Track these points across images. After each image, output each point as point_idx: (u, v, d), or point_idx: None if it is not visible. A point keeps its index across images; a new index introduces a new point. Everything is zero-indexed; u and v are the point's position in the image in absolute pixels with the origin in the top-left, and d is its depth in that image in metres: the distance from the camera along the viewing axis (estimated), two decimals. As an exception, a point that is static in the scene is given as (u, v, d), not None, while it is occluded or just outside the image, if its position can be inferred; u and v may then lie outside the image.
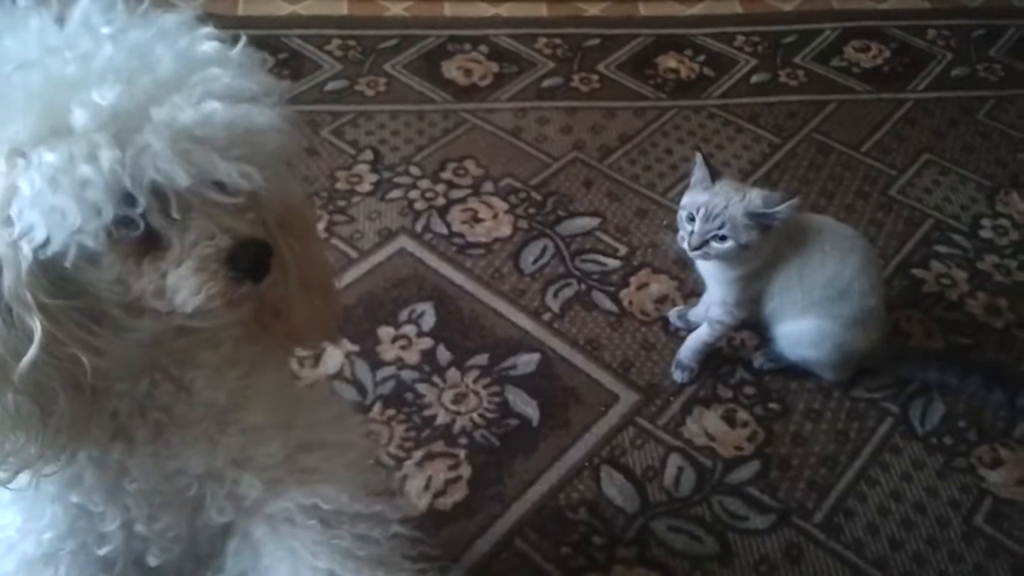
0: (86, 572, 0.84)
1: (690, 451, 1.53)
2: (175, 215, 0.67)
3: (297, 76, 2.18)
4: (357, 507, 0.89)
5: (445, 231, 1.85)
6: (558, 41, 2.37)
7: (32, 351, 0.67)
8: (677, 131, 2.14)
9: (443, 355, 1.64)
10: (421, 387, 1.58)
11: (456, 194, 1.94)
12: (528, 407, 1.57)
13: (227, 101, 0.67)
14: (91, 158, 0.63)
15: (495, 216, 1.90)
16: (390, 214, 1.88)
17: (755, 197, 1.45)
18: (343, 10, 2.42)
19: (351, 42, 2.31)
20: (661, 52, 2.36)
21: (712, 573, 1.39)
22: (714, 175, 1.48)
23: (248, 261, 0.70)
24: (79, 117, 0.63)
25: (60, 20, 0.69)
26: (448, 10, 2.46)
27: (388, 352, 1.63)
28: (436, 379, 1.60)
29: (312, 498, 0.87)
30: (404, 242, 1.83)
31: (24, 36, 0.67)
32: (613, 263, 1.82)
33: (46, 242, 0.64)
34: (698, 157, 1.50)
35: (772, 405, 1.61)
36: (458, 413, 1.55)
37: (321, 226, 1.80)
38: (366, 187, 1.93)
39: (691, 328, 1.66)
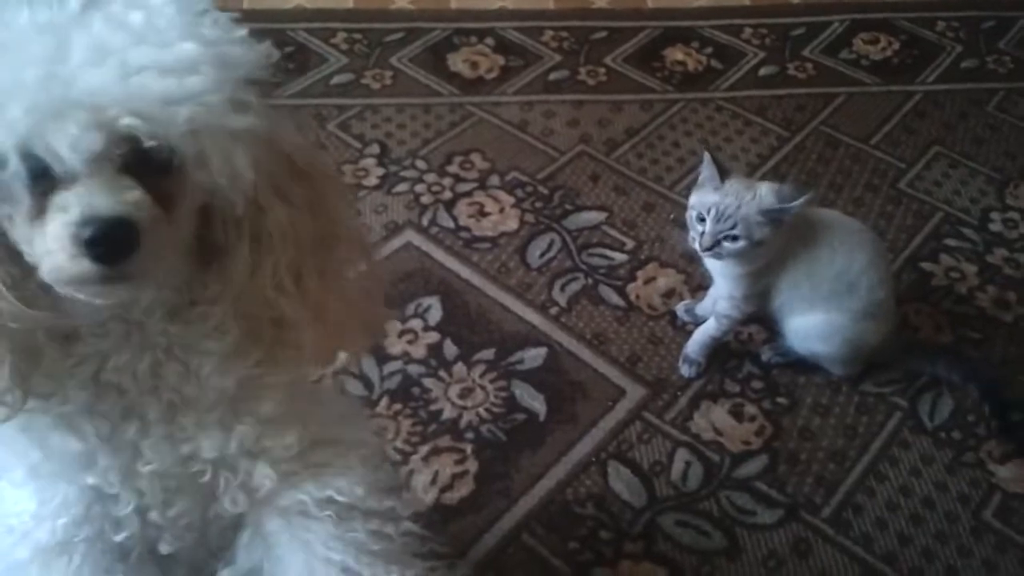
0: (101, 562, 0.84)
1: (697, 446, 1.53)
2: (57, 180, 0.66)
3: (303, 70, 2.18)
4: (370, 502, 0.89)
5: (452, 225, 1.85)
6: (565, 34, 2.36)
7: None
8: (684, 124, 2.13)
9: (450, 349, 1.63)
10: (428, 381, 1.58)
11: (463, 188, 1.93)
12: (535, 402, 1.57)
13: (113, 67, 0.65)
14: None
15: (502, 210, 1.89)
16: (396, 208, 1.88)
17: (767, 194, 1.44)
18: (349, 3, 2.42)
19: (357, 35, 2.30)
20: (668, 45, 2.35)
21: (720, 568, 1.39)
22: (723, 173, 1.47)
23: (95, 240, 0.65)
24: None
25: None
26: (454, 3, 2.45)
27: (394, 346, 1.63)
28: (443, 373, 1.60)
29: (327, 491, 0.87)
30: (410, 236, 1.82)
31: None
32: (620, 257, 1.82)
33: None
34: (706, 156, 1.49)
35: (780, 399, 1.60)
36: (465, 408, 1.55)
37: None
38: (372, 181, 1.93)
39: (698, 322, 1.66)
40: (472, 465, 1.47)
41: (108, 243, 0.66)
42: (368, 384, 1.57)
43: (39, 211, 0.67)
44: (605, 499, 1.45)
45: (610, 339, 1.67)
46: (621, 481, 1.48)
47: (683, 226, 1.54)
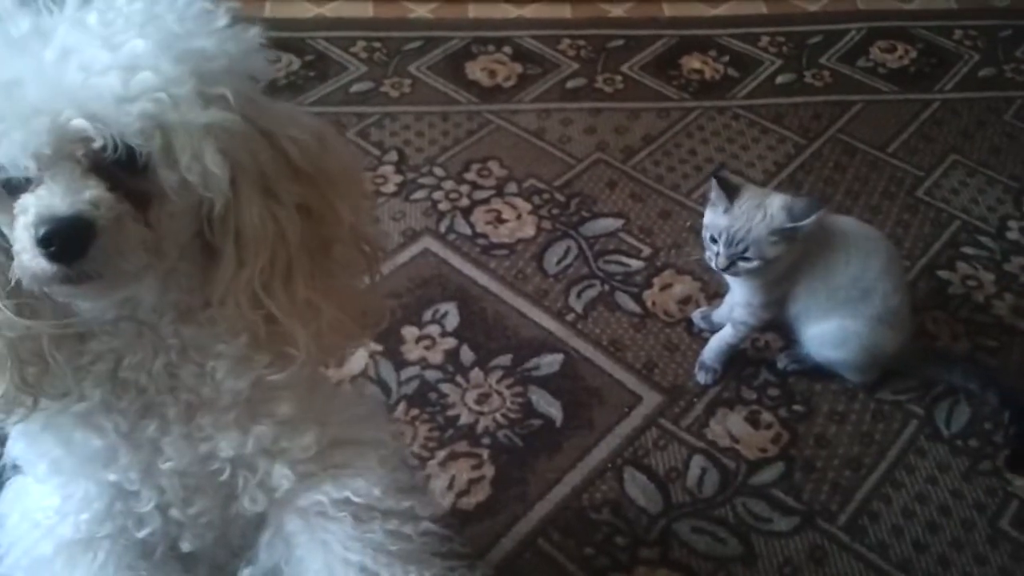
0: (125, 558, 0.86)
1: (714, 452, 1.53)
2: (30, 183, 0.67)
3: (323, 78, 2.20)
4: (388, 503, 0.90)
5: (469, 232, 1.86)
6: (582, 42, 2.37)
7: None
8: (701, 132, 2.13)
9: (467, 355, 1.64)
10: (445, 387, 1.59)
11: (480, 195, 1.94)
12: (551, 407, 1.58)
13: (71, 69, 0.65)
14: None
15: (519, 217, 1.90)
16: (414, 215, 1.89)
17: (777, 211, 1.44)
18: (368, 12, 2.44)
19: (376, 44, 2.32)
20: (685, 53, 2.36)
21: (735, 575, 1.39)
22: (732, 192, 1.47)
23: (47, 239, 0.66)
24: None
25: None
26: (472, 12, 2.46)
27: (412, 352, 1.64)
28: (460, 379, 1.61)
29: (344, 491, 0.88)
30: (428, 243, 1.84)
31: None
32: (636, 264, 1.83)
33: None
34: (712, 182, 1.48)
35: (796, 407, 1.60)
36: (481, 413, 1.56)
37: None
38: (391, 188, 1.94)
39: (715, 329, 1.66)
40: (489, 470, 1.48)
41: (60, 241, 0.66)
42: (385, 389, 1.58)
43: (14, 215, 0.68)
44: (621, 505, 1.46)
45: (626, 346, 1.68)
46: (637, 487, 1.48)
47: (699, 233, 1.54)
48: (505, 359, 1.64)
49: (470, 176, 1.98)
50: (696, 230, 1.54)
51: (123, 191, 0.69)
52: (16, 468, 0.88)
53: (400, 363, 1.62)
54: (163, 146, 0.67)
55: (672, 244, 1.86)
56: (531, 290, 1.76)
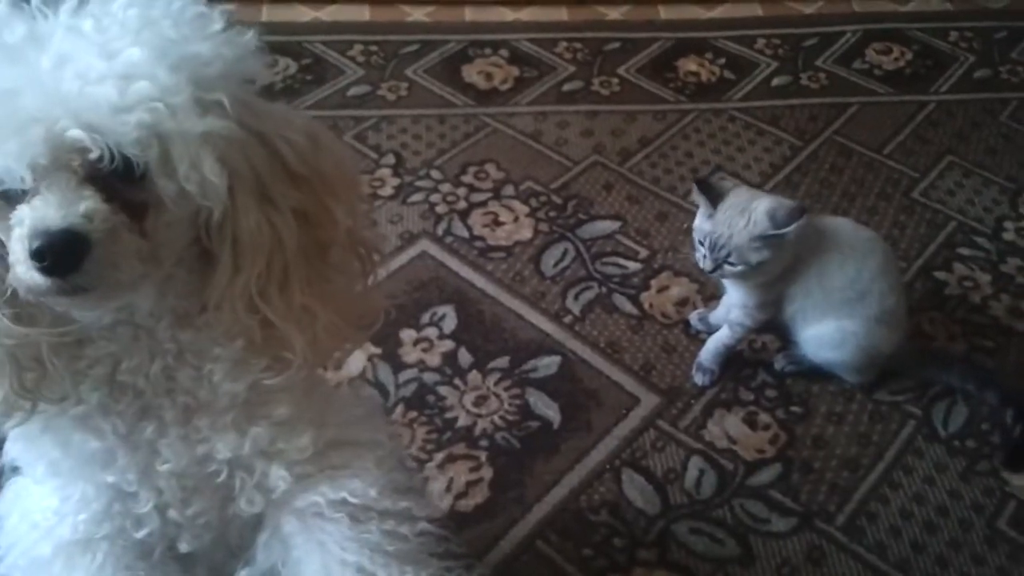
0: (123, 559, 0.86)
1: (711, 454, 1.53)
2: (27, 193, 0.67)
3: (320, 82, 2.20)
4: (385, 503, 0.90)
5: (466, 234, 1.86)
6: (578, 45, 2.37)
7: None
8: (698, 134, 2.14)
9: (464, 358, 1.64)
10: (443, 389, 1.59)
11: (477, 197, 1.94)
12: (549, 409, 1.58)
13: (68, 79, 0.65)
14: None
15: (516, 219, 1.91)
16: (412, 217, 1.89)
17: (761, 217, 1.44)
18: (365, 16, 2.44)
19: (373, 47, 2.32)
20: (681, 55, 2.37)
21: None
22: (716, 198, 1.47)
23: (40, 253, 0.66)
24: None
25: None
26: (469, 15, 2.47)
27: (410, 355, 1.64)
28: (457, 381, 1.61)
29: (341, 492, 0.88)
30: (425, 245, 1.84)
31: None
32: (634, 266, 1.83)
33: None
34: (694, 187, 1.49)
35: (794, 408, 1.60)
36: (479, 415, 1.56)
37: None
38: (388, 191, 1.94)
39: (712, 331, 1.66)
40: (487, 472, 1.48)
41: (53, 255, 0.66)
42: (384, 392, 1.58)
43: (11, 225, 0.69)
44: (619, 506, 1.46)
45: (624, 347, 1.68)
46: (635, 488, 1.48)
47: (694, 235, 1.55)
48: (503, 361, 1.64)
49: (467, 179, 1.99)
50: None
51: (119, 201, 0.68)
52: (15, 470, 0.88)
53: (398, 366, 1.62)
54: (160, 156, 0.67)
55: (669, 246, 1.86)
56: (528, 292, 1.76)
